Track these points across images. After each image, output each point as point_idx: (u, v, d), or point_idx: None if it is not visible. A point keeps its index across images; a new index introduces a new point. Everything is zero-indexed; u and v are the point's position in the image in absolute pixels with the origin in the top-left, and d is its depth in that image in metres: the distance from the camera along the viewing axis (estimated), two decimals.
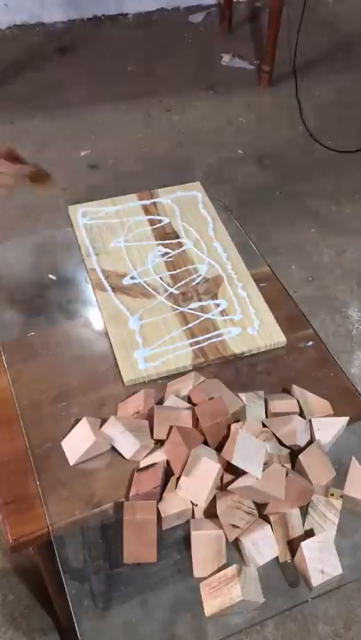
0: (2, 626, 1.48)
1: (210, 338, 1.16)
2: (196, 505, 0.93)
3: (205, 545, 0.90)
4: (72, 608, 0.92)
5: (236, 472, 0.94)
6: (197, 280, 1.27)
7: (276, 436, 1.00)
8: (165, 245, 1.34)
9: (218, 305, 1.22)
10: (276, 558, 0.93)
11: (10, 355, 1.15)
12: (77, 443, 0.99)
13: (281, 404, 1.05)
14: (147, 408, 1.01)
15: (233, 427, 0.98)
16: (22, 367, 1.13)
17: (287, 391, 1.10)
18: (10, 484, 0.98)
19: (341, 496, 0.98)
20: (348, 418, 1.05)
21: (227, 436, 0.97)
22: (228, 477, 0.94)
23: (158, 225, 1.39)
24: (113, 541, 1.00)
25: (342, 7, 3.90)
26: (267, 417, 1.04)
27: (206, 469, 0.92)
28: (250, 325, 1.19)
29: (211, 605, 0.86)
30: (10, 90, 3.29)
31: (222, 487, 0.94)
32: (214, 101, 3.17)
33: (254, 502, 0.93)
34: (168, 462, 0.96)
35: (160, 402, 1.05)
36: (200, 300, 1.23)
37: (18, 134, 3.00)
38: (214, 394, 1.01)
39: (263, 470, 0.91)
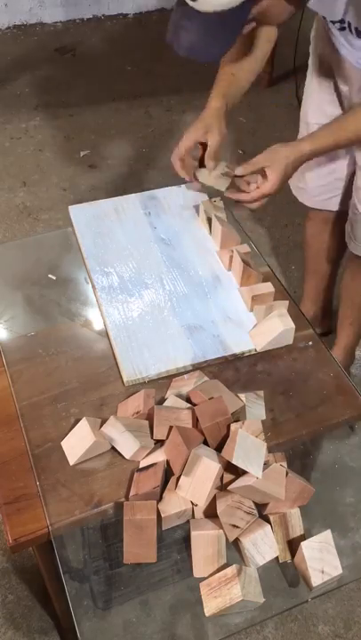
0: (2, 626, 1.48)
1: (210, 338, 1.16)
2: (196, 505, 0.93)
3: (205, 545, 0.90)
4: (72, 608, 0.92)
5: (237, 472, 0.94)
6: (197, 279, 1.27)
7: None
8: (165, 245, 1.34)
9: (218, 304, 1.22)
10: (276, 558, 0.93)
11: (10, 355, 1.15)
12: (77, 443, 0.99)
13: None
14: (147, 408, 1.01)
15: (233, 426, 0.98)
16: (22, 367, 1.13)
17: (287, 392, 1.10)
18: (10, 485, 0.98)
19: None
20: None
21: (227, 436, 0.97)
22: (228, 477, 0.94)
23: (158, 225, 1.39)
24: (113, 541, 1.00)
25: None
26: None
27: (206, 469, 0.92)
28: (250, 325, 1.19)
29: (211, 605, 0.86)
30: (10, 90, 3.29)
31: (222, 487, 0.94)
32: None
33: (254, 502, 0.93)
34: (168, 462, 0.96)
35: (160, 402, 1.05)
36: (199, 299, 1.23)
37: (18, 134, 3.00)
38: (214, 394, 1.01)
39: (263, 470, 0.91)
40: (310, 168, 1.61)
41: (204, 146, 1.31)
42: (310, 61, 1.53)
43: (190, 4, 0.99)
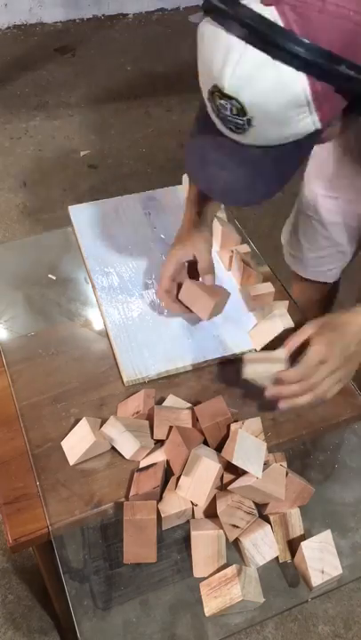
0: (2, 626, 1.48)
1: (210, 338, 1.16)
2: (196, 505, 0.93)
3: (205, 545, 0.90)
4: (72, 608, 0.92)
5: (237, 472, 0.94)
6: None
7: None
8: (165, 245, 1.34)
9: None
10: (277, 558, 0.93)
11: (10, 355, 1.15)
12: (77, 443, 0.99)
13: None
14: (147, 408, 1.01)
15: (233, 426, 0.98)
16: (22, 367, 1.13)
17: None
18: (10, 485, 0.98)
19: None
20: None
21: (226, 436, 0.97)
22: (228, 477, 0.94)
23: (158, 225, 1.39)
24: (113, 541, 1.00)
25: None
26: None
27: (206, 469, 0.92)
28: (250, 325, 1.19)
29: (211, 605, 0.86)
30: (10, 90, 3.29)
31: (222, 487, 0.94)
32: None
33: (254, 502, 0.93)
34: (168, 462, 0.96)
35: (160, 402, 1.05)
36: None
37: (18, 134, 3.00)
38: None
39: (263, 470, 0.91)
40: (307, 236, 1.45)
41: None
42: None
43: (232, 136, 0.74)
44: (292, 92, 0.66)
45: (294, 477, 0.95)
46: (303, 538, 0.95)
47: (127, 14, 3.92)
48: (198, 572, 0.90)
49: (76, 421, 1.02)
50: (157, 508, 0.91)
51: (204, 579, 0.89)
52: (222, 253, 1.30)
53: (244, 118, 0.69)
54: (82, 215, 1.41)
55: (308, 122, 0.69)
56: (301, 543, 0.91)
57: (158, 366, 1.11)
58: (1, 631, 1.47)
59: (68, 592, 0.93)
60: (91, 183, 2.72)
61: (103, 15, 3.90)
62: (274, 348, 0.98)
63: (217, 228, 1.30)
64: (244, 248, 1.28)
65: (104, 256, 1.32)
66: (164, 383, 1.10)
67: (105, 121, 3.08)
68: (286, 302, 1.17)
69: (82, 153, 2.90)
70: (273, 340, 1.12)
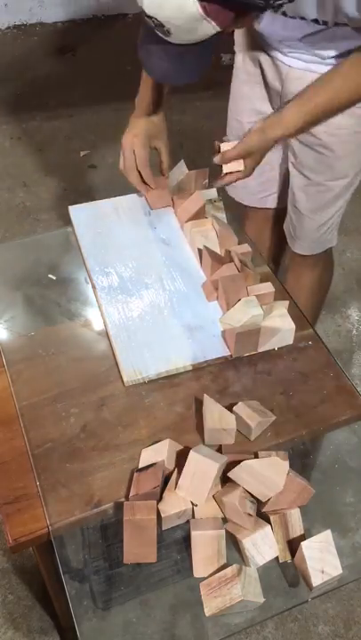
0: (2, 626, 1.48)
1: (210, 338, 1.16)
2: (196, 505, 0.93)
3: (205, 545, 0.90)
4: (72, 608, 0.92)
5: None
6: (197, 279, 1.27)
7: None
8: (165, 245, 1.34)
9: (217, 304, 1.22)
10: (277, 558, 0.93)
11: (10, 355, 1.15)
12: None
13: None
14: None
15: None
16: (22, 367, 1.13)
17: (287, 392, 1.10)
18: (10, 485, 0.98)
19: None
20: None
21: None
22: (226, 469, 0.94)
23: (158, 225, 1.39)
24: (113, 541, 1.00)
25: None
26: None
27: (206, 469, 0.92)
28: None
29: (211, 605, 0.86)
30: (10, 90, 3.29)
31: (223, 480, 0.94)
32: (214, 101, 3.16)
33: (254, 502, 0.93)
34: (167, 462, 0.96)
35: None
36: (200, 299, 1.23)
37: (18, 134, 3.00)
38: None
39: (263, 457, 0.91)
40: None
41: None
42: (236, 58, 1.51)
43: (164, 37, 0.99)
44: (189, 12, 0.92)
45: (294, 477, 0.95)
46: (303, 538, 0.94)
47: (127, 14, 3.92)
48: (198, 571, 0.90)
49: (76, 421, 1.01)
50: (157, 508, 0.91)
51: (204, 579, 0.89)
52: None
53: (164, 29, 0.96)
54: (82, 215, 1.41)
55: (210, 27, 0.95)
56: (301, 543, 0.91)
57: (158, 366, 1.11)
58: (1, 631, 1.47)
59: (68, 592, 0.93)
60: (91, 183, 2.72)
61: (103, 15, 3.90)
62: None
63: (215, 228, 1.30)
64: (243, 248, 1.28)
65: (104, 256, 1.32)
66: (165, 383, 1.10)
67: (105, 121, 3.08)
68: (286, 302, 1.17)
69: (82, 153, 2.89)
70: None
